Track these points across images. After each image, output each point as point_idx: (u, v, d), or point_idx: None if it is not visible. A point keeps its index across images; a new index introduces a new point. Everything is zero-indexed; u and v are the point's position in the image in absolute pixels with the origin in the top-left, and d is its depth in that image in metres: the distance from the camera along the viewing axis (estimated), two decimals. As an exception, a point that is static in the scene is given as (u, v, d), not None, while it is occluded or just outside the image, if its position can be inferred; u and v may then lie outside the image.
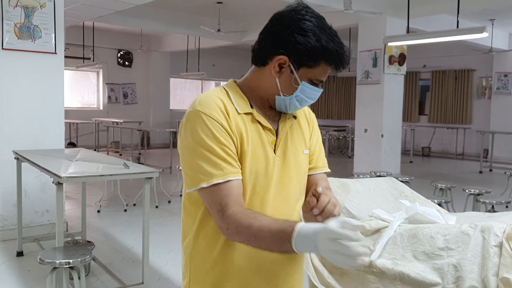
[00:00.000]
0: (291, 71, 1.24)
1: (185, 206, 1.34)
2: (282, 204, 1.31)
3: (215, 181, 1.18)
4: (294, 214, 1.36)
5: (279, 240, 1.09)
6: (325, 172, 1.48)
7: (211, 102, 1.24)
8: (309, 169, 1.43)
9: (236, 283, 1.28)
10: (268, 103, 1.32)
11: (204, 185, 1.19)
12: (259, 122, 1.29)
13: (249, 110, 1.29)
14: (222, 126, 1.21)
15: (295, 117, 1.39)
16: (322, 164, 1.46)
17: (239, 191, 1.20)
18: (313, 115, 1.49)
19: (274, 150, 1.31)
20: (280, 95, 1.28)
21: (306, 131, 1.42)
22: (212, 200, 1.19)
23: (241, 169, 1.24)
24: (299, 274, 1.42)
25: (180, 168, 1.38)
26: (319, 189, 1.21)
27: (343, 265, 1.02)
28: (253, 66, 1.33)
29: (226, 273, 1.28)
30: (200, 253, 1.31)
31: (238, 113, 1.26)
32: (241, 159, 1.24)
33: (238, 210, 1.17)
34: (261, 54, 1.27)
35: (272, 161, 1.29)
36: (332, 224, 1.01)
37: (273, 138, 1.31)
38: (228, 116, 1.24)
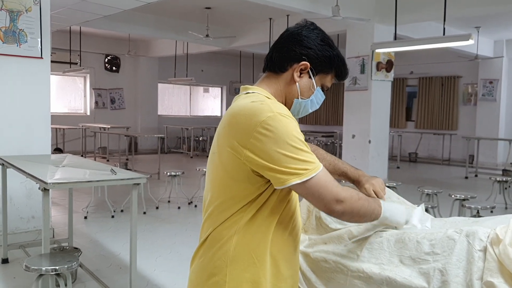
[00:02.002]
0: (310, 77, 1.40)
1: (230, 211, 1.34)
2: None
3: (319, 170, 1.27)
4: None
5: (376, 203, 1.46)
6: None
7: (279, 106, 1.31)
8: None
9: (269, 274, 1.37)
10: None
11: (312, 174, 1.26)
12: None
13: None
14: (297, 124, 1.32)
15: None
16: None
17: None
18: None
19: None
20: (298, 99, 1.41)
21: None
22: (323, 187, 1.28)
23: None
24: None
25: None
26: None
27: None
28: (266, 73, 1.44)
29: (265, 267, 1.36)
30: (244, 251, 1.33)
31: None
32: None
33: (350, 192, 1.34)
34: (280, 61, 1.39)
35: None
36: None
37: None
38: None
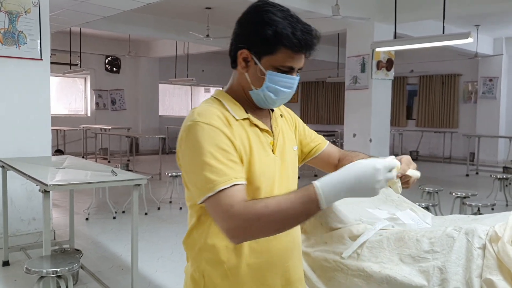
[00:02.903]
0: (255, 63, 1.27)
1: (199, 217, 1.33)
2: None
3: (221, 187, 1.15)
4: None
5: (304, 206, 1.12)
6: (329, 145, 1.62)
7: (208, 112, 1.25)
8: (314, 148, 1.57)
9: (252, 283, 1.32)
10: (253, 103, 1.35)
11: (210, 194, 1.16)
12: (257, 126, 1.32)
13: (246, 115, 1.31)
14: (223, 133, 1.22)
15: (281, 115, 1.46)
16: (322, 139, 1.61)
17: (244, 195, 1.18)
18: (289, 110, 1.57)
19: (273, 151, 1.35)
20: (253, 90, 1.31)
21: (292, 128, 1.50)
22: (218, 205, 1.16)
23: (249, 173, 1.26)
24: (302, 263, 1.53)
25: (180, 177, 1.39)
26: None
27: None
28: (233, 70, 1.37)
29: (240, 276, 1.30)
30: (215, 259, 1.31)
31: (237, 120, 1.28)
32: (248, 164, 1.26)
33: (244, 204, 1.15)
34: (231, 56, 1.32)
35: (273, 161, 1.33)
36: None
37: (270, 138, 1.35)
38: (229, 123, 1.25)
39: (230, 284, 1.31)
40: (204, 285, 1.32)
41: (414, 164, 1.38)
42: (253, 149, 1.28)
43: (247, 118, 1.31)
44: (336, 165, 1.59)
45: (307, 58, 1.31)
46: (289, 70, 1.28)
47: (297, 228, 1.45)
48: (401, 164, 1.33)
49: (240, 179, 1.19)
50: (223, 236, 1.21)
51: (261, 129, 1.33)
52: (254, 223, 1.14)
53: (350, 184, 1.11)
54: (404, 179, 1.32)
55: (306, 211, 1.14)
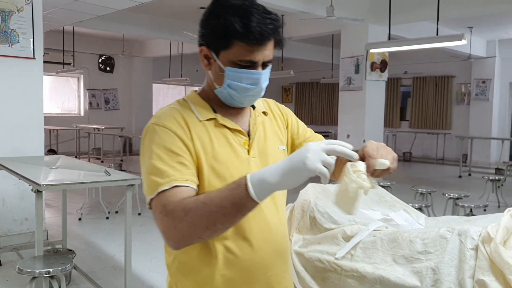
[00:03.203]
0: (215, 60, 1.21)
1: None
2: (266, 205, 1.26)
3: (161, 189, 1.11)
4: (281, 213, 1.33)
5: (232, 192, 1.03)
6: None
7: (166, 114, 1.23)
8: (302, 143, 1.42)
9: None
10: (224, 103, 1.29)
11: (152, 196, 1.12)
12: (225, 126, 1.26)
13: (212, 115, 1.26)
14: (175, 134, 1.18)
15: (265, 113, 1.37)
16: (311, 133, 1.48)
17: (186, 195, 1.11)
18: (283, 107, 1.46)
19: (248, 151, 1.27)
20: (217, 88, 1.25)
21: (282, 126, 1.40)
22: (156, 207, 1.11)
23: (212, 176, 1.20)
24: (290, 275, 1.40)
25: None
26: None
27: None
28: None
29: (214, 287, 1.24)
30: (187, 268, 1.26)
31: (200, 121, 1.24)
32: (209, 166, 1.20)
33: (177, 202, 1.09)
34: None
35: (246, 163, 1.25)
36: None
37: (244, 139, 1.27)
38: (187, 125, 1.21)
39: None
40: None
41: (383, 149, 1.14)
42: (216, 150, 1.22)
43: (214, 119, 1.25)
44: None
45: (277, 49, 1.22)
46: (251, 65, 1.18)
47: (282, 235, 1.33)
48: (365, 157, 1.12)
49: (184, 181, 1.13)
50: (196, 244, 1.18)
51: (231, 129, 1.26)
52: (182, 219, 1.06)
53: (281, 165, 1.03)
54: (376, 174, 1.12)
55: (235, 200, 1.02)
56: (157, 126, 1.19)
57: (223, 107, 1.28)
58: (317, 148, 1.01)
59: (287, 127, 1.42)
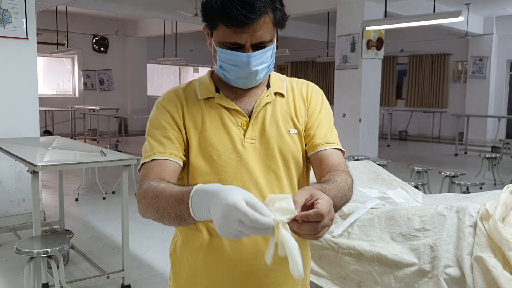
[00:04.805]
0: (211, 40, 1.21)
1: None
2: (266, 186, 1.21)
3: (142, 162, 1.20)
4: (284, 190, 1.24)
5: (176, 200, 1.00)
6: (333, 149, 1.26)
7: (169, 92, 1.28)
8: (308, 144, 1.28)
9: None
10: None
11: (138, 168, 1.22)
12: (222, 105, 1.24)
13: (211, 95, 1.25)
14: (168, 111, 1.23)
15: (282, 94, 1.29)
16: (321, 140, 1.27)
17: (164, 169, 1.15)
18: (313, 91, 1.33)
19: (245, 132, 1.23)
20: (216, 68, 1.24)
21: (300, 109, 1.29)
22: (139, 175, 1.20)
23: (203, 151, 1.21)
24: (280, 272, 1.24)
25: None
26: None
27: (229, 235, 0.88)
28: None
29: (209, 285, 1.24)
30: (184, 260, 1.29)
31: (198, 100, 1.25)
32: (196, 145, 1.21)
33: (147, 181, 1.13)
34: None
35: (239, 144, 1.22)
36: (238, 200, 0.86)
37: (243, 119, 1.24)
38: (182, 104, 1.24)
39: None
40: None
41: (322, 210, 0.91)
42: (207, 129, 1.21)
43: (212, 98, 1.24)
44: (320, 178, 1.24)
45: (278, 28, 1.18)
46: (238, 47, 1.14)
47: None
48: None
49: (164, 155, 1.18)
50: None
51: (229, 109, 1.23)
52: (142, 199, 1.12)
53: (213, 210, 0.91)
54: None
55: (177, 212, 1.00)
56: (158, 104, 1.27)
57: (229, 86, 1.26)
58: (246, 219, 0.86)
59: (307, 111, 1.30)
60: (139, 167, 1.22)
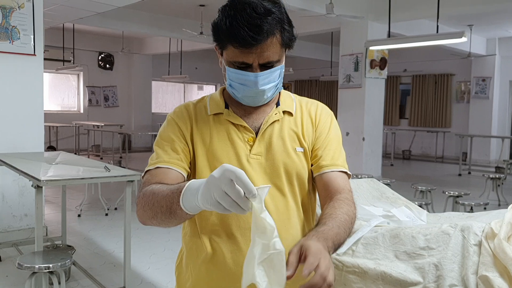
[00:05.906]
0: (222, 58, 1.24)
1: None
2: (271, 202, 1.22)
3: (146, 169, 1.23)
4: (288, 206, 1.25)
5: (171, 190, 1.03)
6: (338, 172, 1.26)
7: (180, 107, 1.32)
8: (313, 165, 1.28)
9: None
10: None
11: (142, 174, 1.26)
12: (230, 121, 1.26)
13: (220, 110, 1.28)
14: (177, 124, 1.27)
15: (291, 113, 1.30)
16: (327, 161, 1.27)
17: (167, 177, 1.18)
18: (322, 111, 1.35)
19: (252, 148, 1.24)
20: (226, 86, 1.27)
21: (307, 129, 1.30)
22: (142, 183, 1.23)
23: (201, 169, 1.24)
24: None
25: None
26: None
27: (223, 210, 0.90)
28: None
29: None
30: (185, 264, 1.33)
31: (207, 115, 1.28)
32: (202, 159, 1.24)
33: (151, 184, 1.16)
34: None
35: (245, 159, 1.23)
36: (235, 166, 0.89)
37: (250, 135, 1.26)
38: (191, 118, 1.28)
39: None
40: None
41: (313, 258, 0.94)
42: (214, 144, 1.24)
43: (221, 113, 1.27)
44: (325, 204, 1.24)
45: (286, 48, 1.20)
46: (246, 66, 1.16)
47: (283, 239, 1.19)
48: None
49: (168, 163, 1.21)
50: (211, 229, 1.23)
51: (236, 125, 1.26)
52: (139, 202, 1.15)
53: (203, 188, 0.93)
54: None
55: (168, 204, 1.02)
56: (169, 117, 1.31)
57: (238, 103, 1.28)
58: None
59: (315, 131, 1.31)
60: (143, 174, 1.25)
